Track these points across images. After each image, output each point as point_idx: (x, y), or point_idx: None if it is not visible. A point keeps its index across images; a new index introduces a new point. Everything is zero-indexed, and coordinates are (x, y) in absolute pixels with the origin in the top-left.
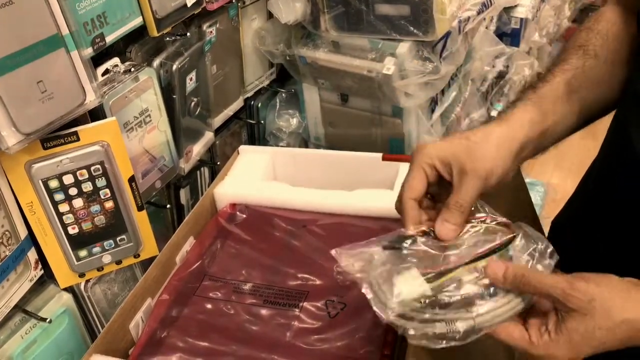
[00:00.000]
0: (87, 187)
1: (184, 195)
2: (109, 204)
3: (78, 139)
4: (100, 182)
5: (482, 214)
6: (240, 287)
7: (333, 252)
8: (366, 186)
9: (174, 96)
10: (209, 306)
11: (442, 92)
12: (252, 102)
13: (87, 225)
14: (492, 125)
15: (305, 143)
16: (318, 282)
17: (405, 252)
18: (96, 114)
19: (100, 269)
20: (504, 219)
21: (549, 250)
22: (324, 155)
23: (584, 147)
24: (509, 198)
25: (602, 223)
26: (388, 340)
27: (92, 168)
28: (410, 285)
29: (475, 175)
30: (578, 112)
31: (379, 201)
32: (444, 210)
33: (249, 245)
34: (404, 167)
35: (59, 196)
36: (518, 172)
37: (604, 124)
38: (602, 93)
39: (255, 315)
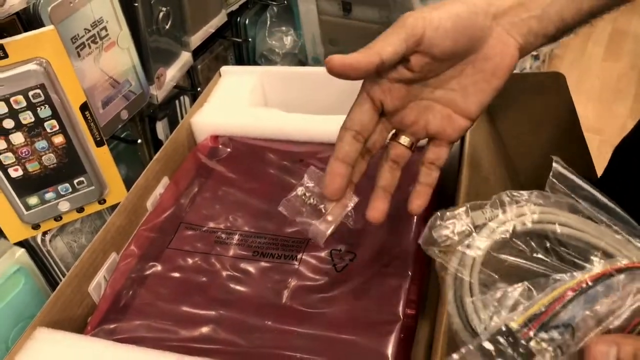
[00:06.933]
0: (27, 118)
1: (161, 128)
2: (59, 139)
3: (5, 55)
4: (44, 112)
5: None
6: (224, 237)
7: None
8: None
9: (136, 4)
10: (185, 261)
11: None
12: (238, 18)
13: (33, 166)
14: None
15: (302, 65)
16: None
17: None
18: (32, 25)
19: (58, 218)
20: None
21: None
22: (323, 73)
23: (606, 70)
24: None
25: None
26: (411, 297)
27: (31, 93)
28: None
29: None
30: None
31: None
32: None
33: (234, 185)
34: None
35: None
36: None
37: (629, 44)
38: None
39: (242, 271)
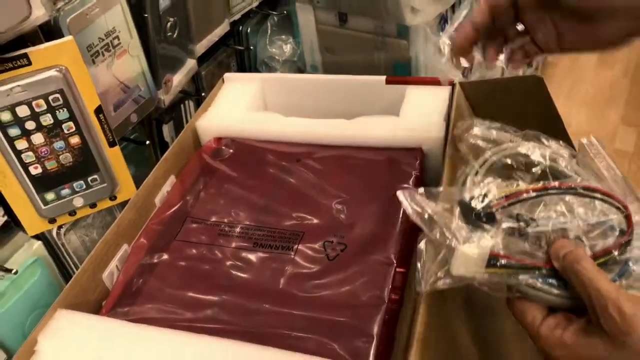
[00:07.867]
0: (47, 120)
1: (167, 131)
2: (75, 140)
3: (29, 63)
4: (62, 114)
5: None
6: (227, 230)
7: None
8: (368, 113)
9: (146, 15)
10: (191, 251)
11: (453, 8)
12: (240, 27)
13: (51, 165)
14: None
15: (300, 72)
16: (315, 221)
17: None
18: (52, 35)
19: (72, 213)
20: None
21: None
22: (319, 80)
23: (599, 76)
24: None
25: None
26: (395, 283)
27: (51, 97)
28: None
29: None
30: None
31: (382, 129)
32: None
33: (236, 183)
34: (411, 90)
35: (13, 131)
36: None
37: (621, 51)
38: None
39: (243, 260)
